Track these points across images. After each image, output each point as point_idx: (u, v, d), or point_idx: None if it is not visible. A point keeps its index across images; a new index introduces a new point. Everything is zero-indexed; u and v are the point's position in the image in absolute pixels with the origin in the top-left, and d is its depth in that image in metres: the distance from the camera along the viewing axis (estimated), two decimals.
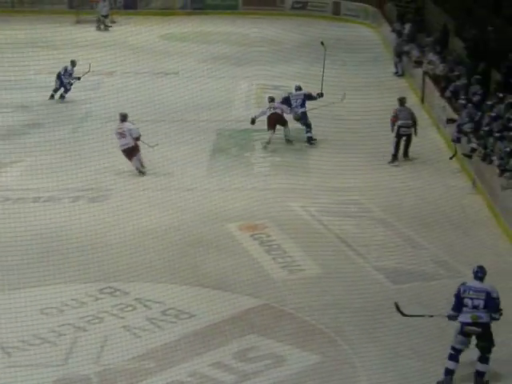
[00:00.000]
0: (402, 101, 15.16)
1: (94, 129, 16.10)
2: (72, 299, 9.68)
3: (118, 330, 9.10)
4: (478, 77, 16.22)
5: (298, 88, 16.18)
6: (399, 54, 21.92)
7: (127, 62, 21.31)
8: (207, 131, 16.47)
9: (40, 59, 18.47)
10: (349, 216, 12.45)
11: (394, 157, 14.72)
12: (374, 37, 27.40)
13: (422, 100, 18.92)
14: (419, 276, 10.50)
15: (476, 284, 8.22)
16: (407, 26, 23.23)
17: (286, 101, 16.08)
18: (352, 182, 13.32)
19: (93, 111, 17.60)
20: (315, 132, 15.74)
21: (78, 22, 30.67)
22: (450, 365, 8.22)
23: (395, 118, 14.79)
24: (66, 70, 19.48)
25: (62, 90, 19.42)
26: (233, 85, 20.05)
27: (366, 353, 8.65)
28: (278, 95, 16.70)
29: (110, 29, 28.92)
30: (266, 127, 15.78)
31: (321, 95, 15.98)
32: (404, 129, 14.76)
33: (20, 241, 10.56)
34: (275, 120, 15.82)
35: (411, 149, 14.92)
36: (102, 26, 28.94)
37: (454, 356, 8.22)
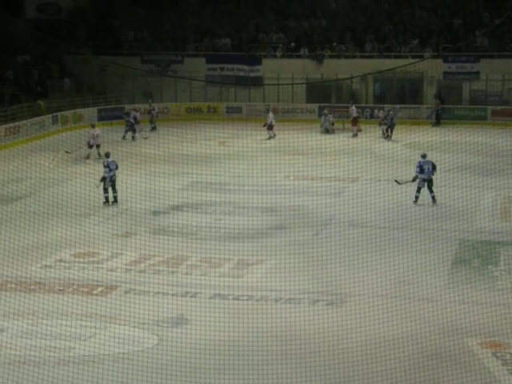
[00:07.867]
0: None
1: (335, 233, 16.42)
2: None
3: None
4: None
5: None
6: None
7: (371, 169, 21.76)
8: (448, 240, 16.15)
9: (288, 165, 19.41)
10: None
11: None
12: None
13: None
14: None
15: (425, 159, 19.46)
16: None
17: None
18: None
19: (335, 216, 18.00)
20: None
21: (327, 130, 32.12)
22: (417, 194, 19.24)
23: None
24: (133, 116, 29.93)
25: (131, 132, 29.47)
26: (477, 195, 19.59)
27: None
28: None
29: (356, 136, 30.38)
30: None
31: None
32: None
33: (260, 340, 10.88)
34: None
35: None
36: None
37: (419, 190, 19.23)
